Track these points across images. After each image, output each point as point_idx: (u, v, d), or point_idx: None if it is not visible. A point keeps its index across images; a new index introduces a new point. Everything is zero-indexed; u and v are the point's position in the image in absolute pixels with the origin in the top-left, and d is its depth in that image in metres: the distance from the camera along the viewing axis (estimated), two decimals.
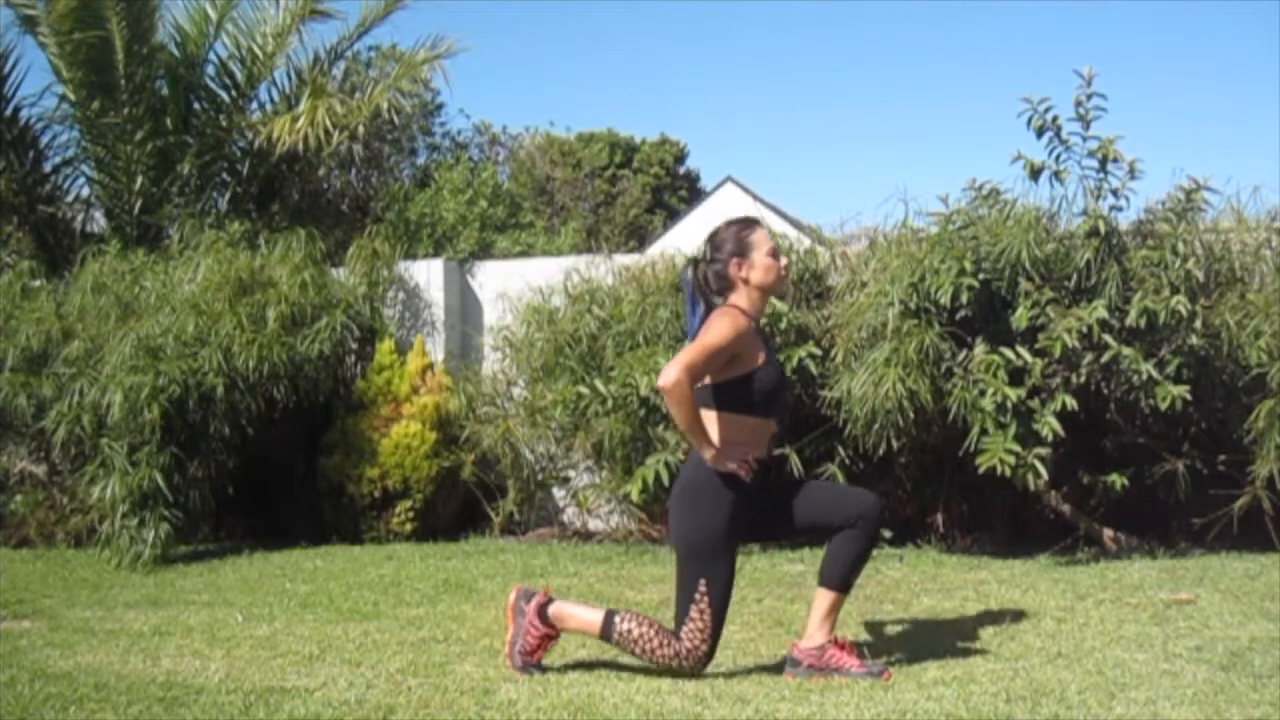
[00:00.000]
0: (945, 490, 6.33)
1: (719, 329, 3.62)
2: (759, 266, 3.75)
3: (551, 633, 3.85)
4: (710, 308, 3.76)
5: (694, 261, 3.86)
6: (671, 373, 3.52)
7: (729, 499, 3.65)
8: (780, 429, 3.88)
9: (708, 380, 3.68)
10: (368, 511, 7.13)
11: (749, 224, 3.86)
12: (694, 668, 3.70)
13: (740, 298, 3.76)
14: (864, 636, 4.22)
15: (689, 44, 52.14)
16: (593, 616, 3.82)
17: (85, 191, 10.13)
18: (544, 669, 3.81)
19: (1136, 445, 5.98)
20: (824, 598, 3.75)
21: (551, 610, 3.85)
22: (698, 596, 3.66)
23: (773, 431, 3.83)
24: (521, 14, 49.73)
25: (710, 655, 3.71)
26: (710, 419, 3.67)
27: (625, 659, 3.92)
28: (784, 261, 3.84)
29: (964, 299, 5.68)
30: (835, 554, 3.76)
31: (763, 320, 5.93)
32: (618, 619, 3.75)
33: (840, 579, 3.75)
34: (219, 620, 4.85)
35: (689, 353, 3.59)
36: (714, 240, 3.82)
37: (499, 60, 47.20)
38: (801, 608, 4.80)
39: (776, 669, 3.76)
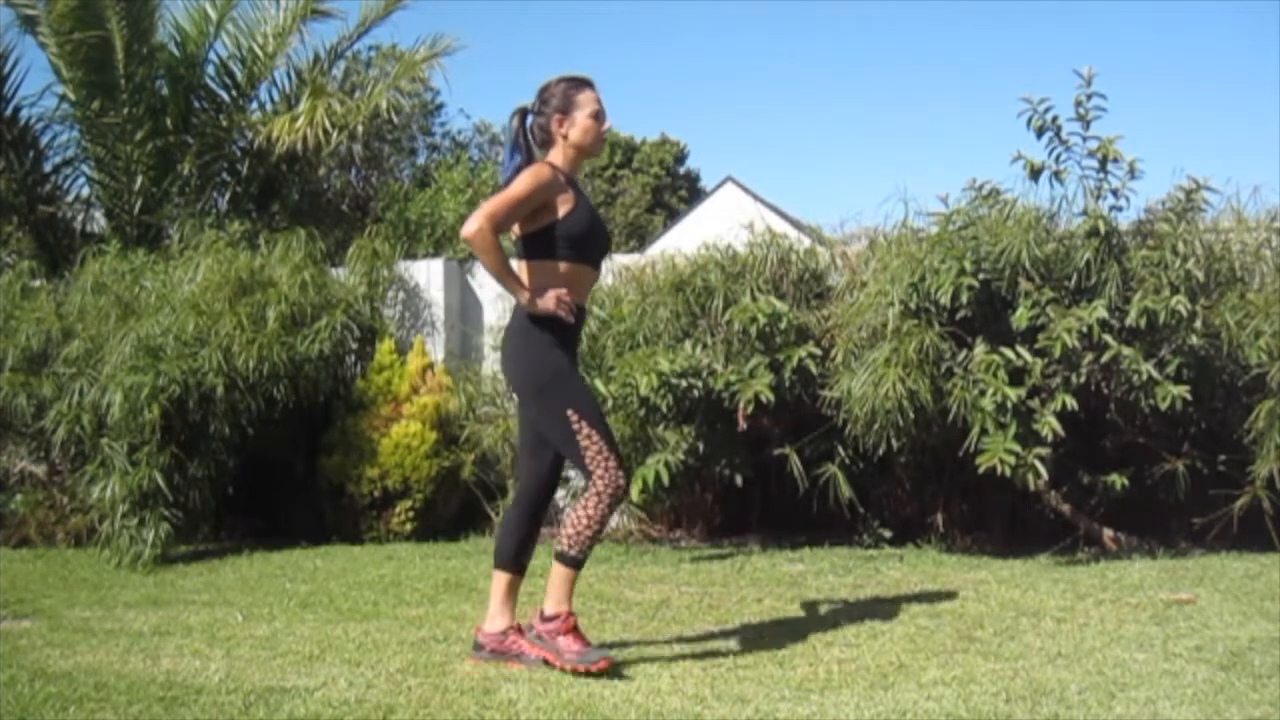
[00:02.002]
0: (945, 490, 6.32)
1: (522, 182, 3.75)
2: (579, 126, 3.87)
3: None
4: (528, 161, 3.86)
5: (522, 111, 3.95)
6: (474, 222, 3.69)
7: (553, 339, 3.80)
8: (597, 274, 4.08)
9: (518, 231, 3.84)
10: (368, 511, 7.13)
11: (579, 84, 3.94)
12: (619, 487, 3.76)
13: (556, 154, 3.88)
14: (864, 637, 4.22)
15: (689, 44, 52.15)
16: (557, 574, 3.84)
17: (85, 191, 10.15)
18: (605, 651, 3.87)
19: (1136, 445, 5.98)
20: (499, 580, 3.93)
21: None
22: (576, 426, 3.74)
23: (591, 277, 3.99)
24: (521, 14, 49.73)
25: (623, 467, 3.80)
26: (523, 268, 3.85)
27: (625, 658, 3.92)
28: (605, 125, 3.93)
29: (964, 299, 5.68)
30: (510, 535, 3.96)
31: (762, 320, 5.98)
32: (559, 545, 3.78)
33: (512, 560, 3.94)
34: (219, 620, 4.85)
35: (492, 202, 3.74)
36: (543, 94, 3.93)
37: (499, 60, 47.19)
38: (802, 607, 4.80)
39: (777, 669, 3.76)
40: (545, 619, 3.80)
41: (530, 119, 3.94)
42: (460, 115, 19.74)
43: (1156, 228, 6.01)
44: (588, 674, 3.66)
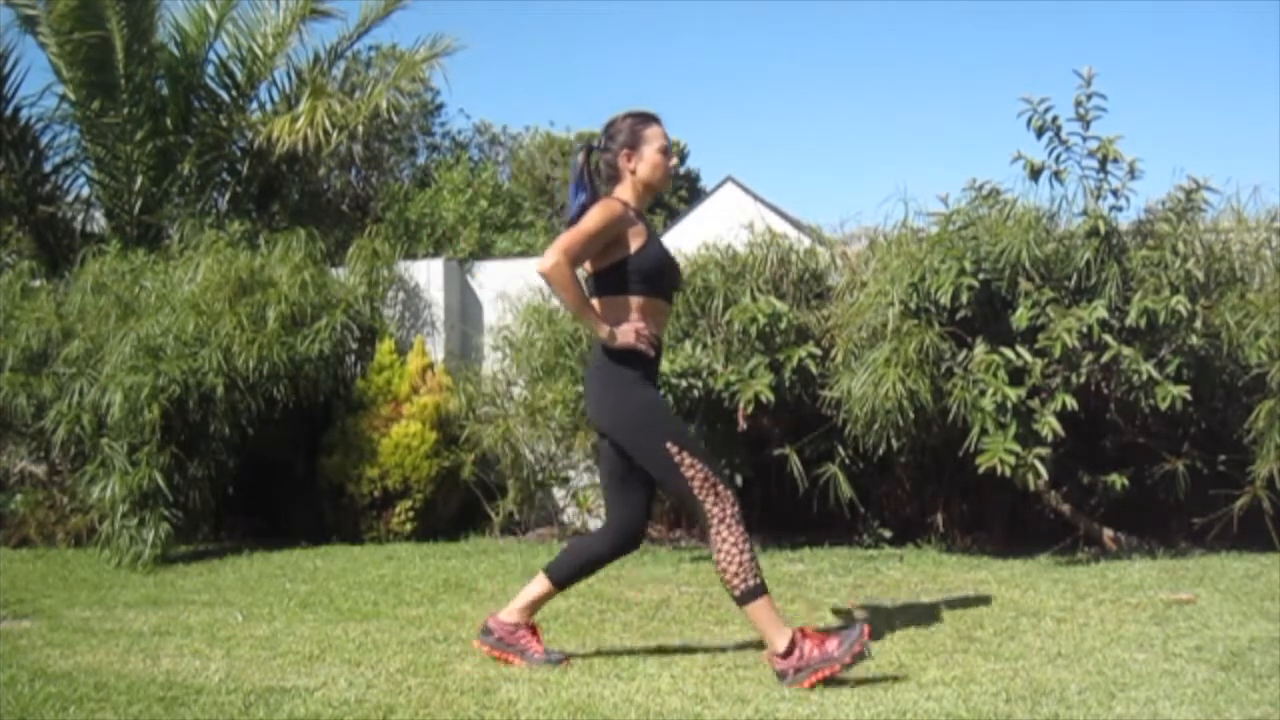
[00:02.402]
0: (945, 490, 6.33)
1: (593, 216, 3.72)
2: (647, 161, 3.86)
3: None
4: (596, 197, 3.84)
5: (588, 147, 3.94)
6: (550, 257, 3.65)
7: (637, 374, 3.77)
8: (670, 307, 4.06)
9: (589, 267, 3.81)
10: (368, 511, 7.13)
11: (646, 119, 3.93)
12: (734, 519, 3.64)
13: (625, 189, 3.86)
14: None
15: (689, 44, 52.15)
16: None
17: (85, 191, 10.16)
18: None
19: (1136, 445, 5.98)
20: (541, 588, 3.96)
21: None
22: (677, 459, 3.67)
23: (665, 311, 3.96)
24: (521, 14, 49.70)
25: (729, 487, 3.69)
26: (596, 305, 3.81)
27: (625, 658, 3.92)
28: (672, 161, 3.92)
29: (964, 299, 5.68)
30: (576, 552, 3.98)
31: (762, 320, 5.98)
32: (729, 585, 3.66)
33: (566, 581, 3.98)
34: (219, 620, 4.85)
35: (565, 237, 3.70)
36: (610, 130, 3.92)
37: (499, 60, 47.18)
38: (801, 607, 4.80)
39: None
40: (784, 656, 3.57)
41: (595, 155, 3.92)
42: (460, 115, 19.74)
43: (1156, 228, 6.01)
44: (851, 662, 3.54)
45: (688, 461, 3.67)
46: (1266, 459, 5.49)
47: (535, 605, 3.98)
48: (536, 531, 7.33)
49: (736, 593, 3.64)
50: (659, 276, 3.85)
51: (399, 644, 4.27)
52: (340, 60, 11.02)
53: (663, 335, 3.95)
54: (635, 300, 3.80)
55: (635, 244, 3.78)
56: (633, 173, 3.86)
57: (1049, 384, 5.69)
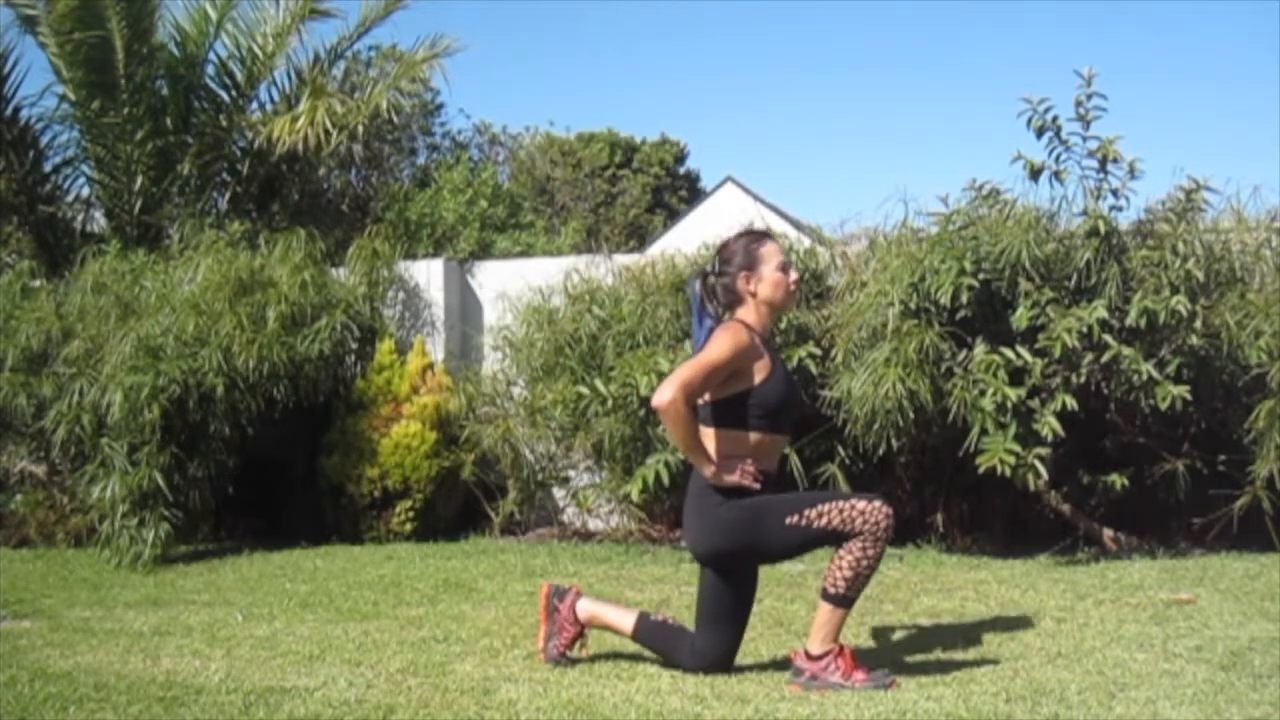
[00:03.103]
0: (945, 490, 6.33)
1: (718, 345, 3.54)
2: (768, 281, 3.67)
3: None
4: (718, 321, 3.68)
5: (703, 274, 3.78)
6: (667, 392, 3.44)
7: (736, 504, 3.60)
8: (787, 440, 3.82)
9: (708, 397, 3.61)
10: (368, 511, 7.13)
11: (760, 237, 3.78)
12: (887, 521, 3.50)
13: (748, 312, 3.68)
14: (865, 637, 4.22)
15: (689, 44, 52.14)
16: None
17: (85, 191, 10.15)
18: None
19: (1136, 445, 5.98)
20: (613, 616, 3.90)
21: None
22: (805, 522, 3.52)
23: (781, 445, 3.75)
24: (521, 14, 49.71)
25: (871, 501, 3.52)
26: (711, 435, 3.61)
27: (625, 658, 3.92)
28: (794, 276, 3.75)
29: (964, 299, 5.68)
30: (659, 630, 3.85)
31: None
32: (831, 588, 3.57)
33: (645, 635, 3.85)
34: (219, 620, 4.85)
35: (686, 369, 3.51)
36: (724, 253, 3.74)
37: (499, 60, 47.18)
38: (802, 607, 4.80)
39: (777, 669, 3.76)
40: (811, 659, 3.56)
41: (710, 279, 3.73)
42: (460, 115, 19.74)
43: (1156, 228, 6.01)
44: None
45: (811, 514, 3.52)
46: (1266, 459, 5.49)
47: (603, 626, 3.89)
48: (536, 531, 7.33)
49: (833, 591, 3.54)
50: (781, 412, 3.64)
51: (399, 644, 4.27)
52: (340, 60, 11.02)
53: (773, 469, 3.72)
54: (752, 436, 3.59)
55: (760, 376, 3.58)
56: (753, 295, 3.67)
57: (1049, 384, 5.69)
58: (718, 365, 3.52)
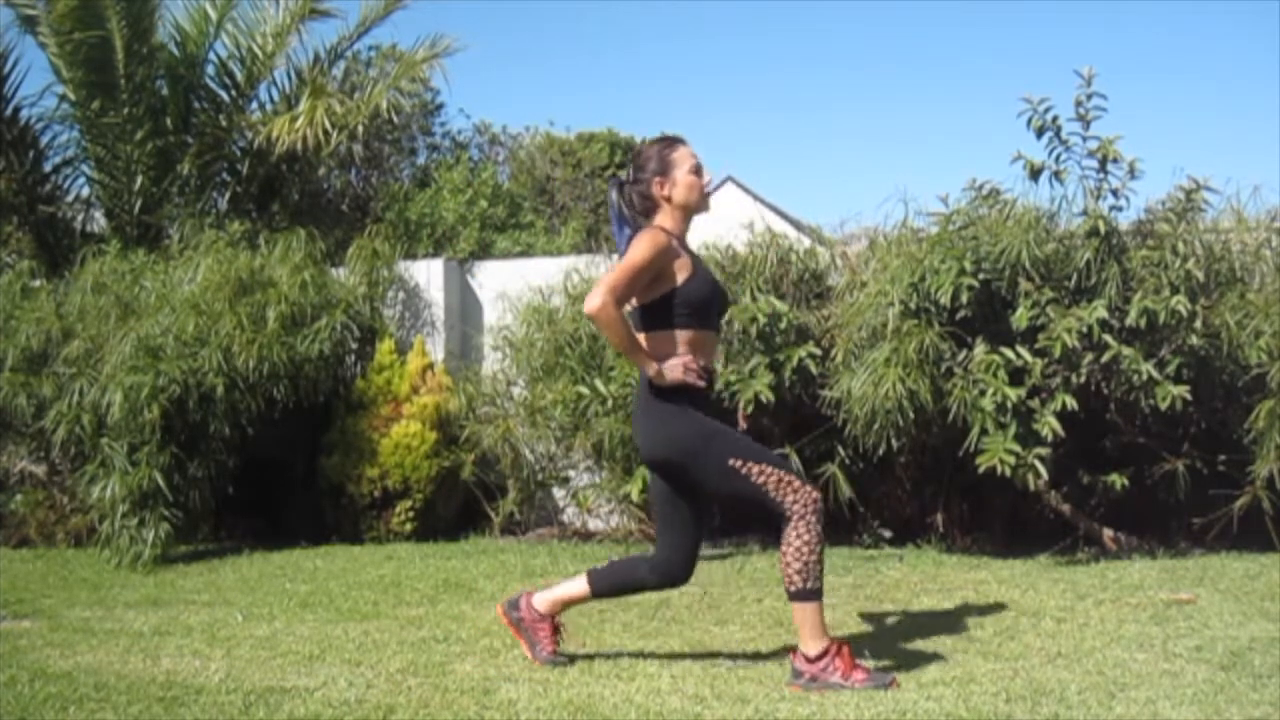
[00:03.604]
0: (945, 490, 6.32)
1: (638, 249, 3.65)
2: (681, 185, 3.78)
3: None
4: (636, 229, 3.77)
5: (619, 182, 3.88)
6: (597, 297, 3.56)
7: (686, 408, 3.69)
8: (719, 337, 3.95)
9: (635, 303, 3.73)
10: (368, 511, 7.13)
11: (672, 143, 3.87)
12: (817, 505, 3.59)
13: (664, 217, 3.79)
14: (865, 637, 4.22)
15: (689, 44, 52.12)
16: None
17: (85, 191, 10.16)
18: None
19: (1136, 445, 5.98)
20: (579, 587, 3.94)
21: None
22: (745, 471, 3.61)
23: (714, 341, 3.89)
24: (521, 14, 49.69)
25: (807, 484, 3.62)
26: (645, 339, 3.72)
27: (625, 658, 3.92)
28: (706, 178, 3.85)
29: (964, 299, 5.68)
30: (623, 567, 3.94)
31: (762, 320, 5.99)
32: (788, 583, 3.61)
33: (604, 585, 3.93)
34: (219, 620, 4.85)
35: (612, 275, 3.64)
36: (638, 160, 3.85)
37: (499, 60, 47.14)
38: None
39: (777, 669, 3.76)
40: (811, 661, 3.57)
41: (627, 188, 3.84)
42: (460, 115, 19.69)
43: (1156, 228, 6.01)
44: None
45: (755, 469, 3.61)
46: (1266, 459, 5.49)
47: (566, 605, 3.95)
48: (536, 531, 7.33)
49: (793, 588, 3.58)
50: (707, 308, 3.75)
51: (399, 644, 4.27)
52: (340, 60, 11.02)
53: (713, 365, 3.84)
54: (683, 334, 3.70)
55: (682, 275, 3.69)
56: (668, 199, 3.78)
57: (1049, 384, 5.68)
58: (640, 268, 3.63)
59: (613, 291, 3.58)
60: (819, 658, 3.55)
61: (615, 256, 3.82)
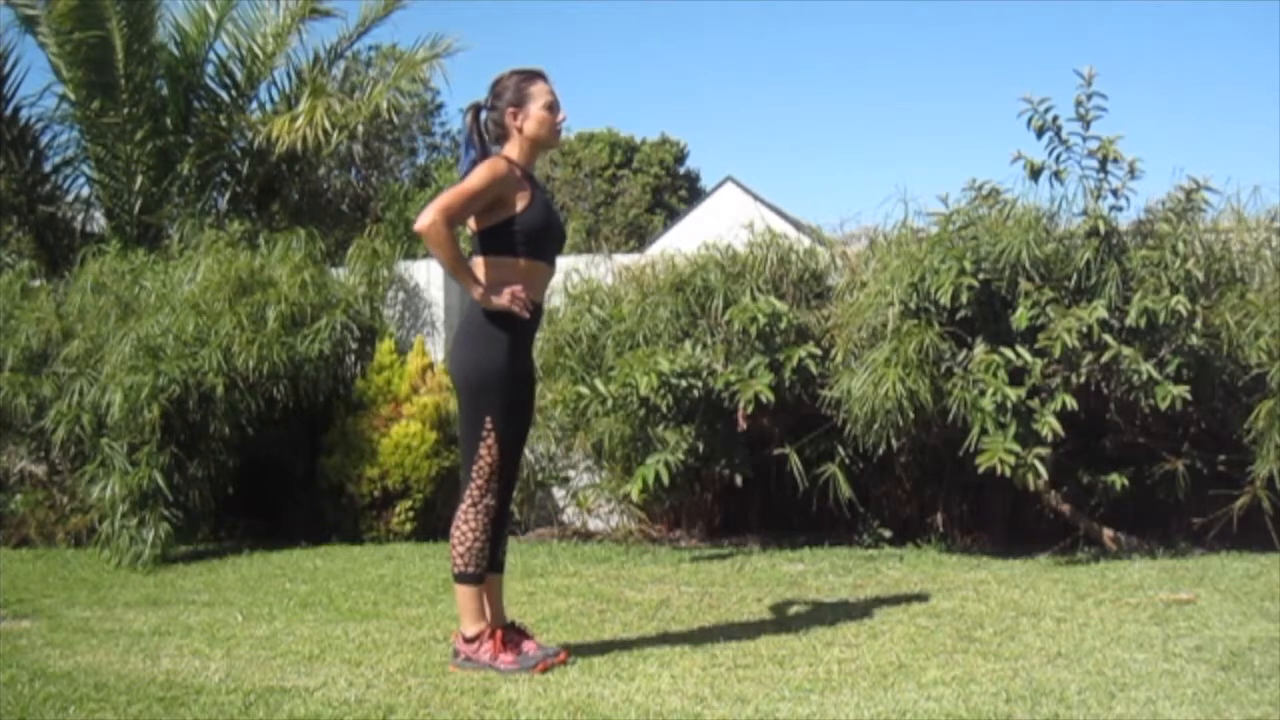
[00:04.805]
0: (945, 490, 6.32)
1: (477, 174, 3.74)
2: (534, 119, 3.86)
3: (484, 633, 3.84)
4: (485, 155, 3.85)
5: (475, 107, 3.94)
6: (427, 215, 3.68)
7: (506, 338, 3.80)
8: (552, 271, 4.03)
9: (473, 225, 3.83)
10: (368, 511, 7.13)
11: (531, 76, 3.93)
12: (485, 513, 3.79)
13: (512, 147, 3.87)
14: (864, 637, 4.22)
15: (689, 44, 52.14)
16: (460, 596, 3.87)
17: (85, 191, 10.17)
18: (557, 651, 3.86)
19: (1136, 445, 5.98)
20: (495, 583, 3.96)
21: (466, 632, 3.86)
22: (484, 433, 3.79)
23: (546, 274, 3.97)
24: (522, 14, 49.72)
25: (502, 504, 3.84)
26: (479, 264, 3.82)
27: (625, 658, 3.92)
28: (561, 115, 3.92)
29: (964, 299, 5.68)
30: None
31: (762, 320, 5.99)
32: (453, 567, 3.85)
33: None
34: (219, 620, 4.85)
35: (446, 195, 3.74)
36: (495, 88, 3.92)
37: (499, 60, 47.16)
38: (802, 607, 4.80)
39: (777, 669, 3.76)
40: (467, 641, 3.82)
41: (484, 114, 3.94)
42: (460, 115, 19.72)
43: (1156, 228, 6.01)
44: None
45: (490, 443, 3.78)
46: (1266, 459, 5.49)
47: (477, 611, 3.89)
48: (536, 531, 7.34)
49: (455, 570, 3.83)
50: (542, 238, 3.86)
51: (399, 644, 4.27)
52: (340, 60, 11.02)
53: (542, 299, 3.98)
54: (515, 261, 3.81)
55: (520, 204, 3.80)
56: (520, 130, 3.86)
57: (1049, 384, 5.69)
58: (475, 192, 3.73)
59: (444, 212, 3.68)
60: (472, 640, 3.80)
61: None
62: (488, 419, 3.79)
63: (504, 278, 3.80)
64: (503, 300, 3.76)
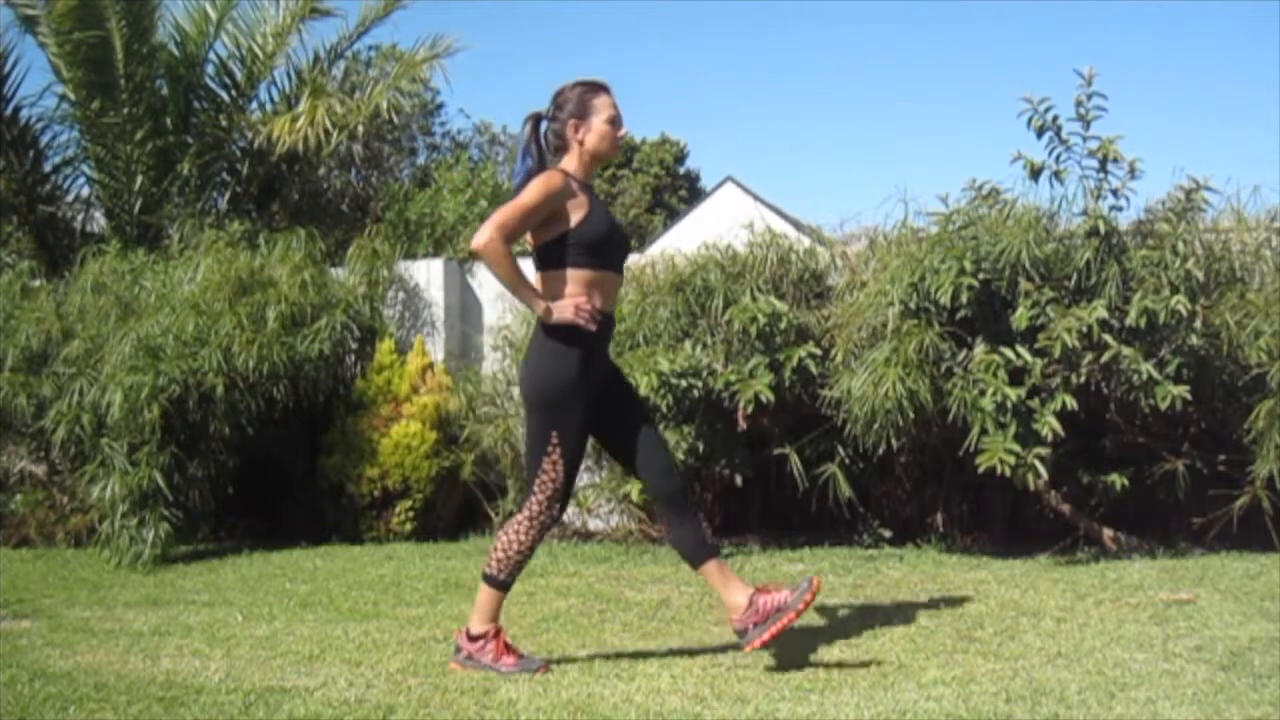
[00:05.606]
0: (945, 490, 6.32)
1: (532, 189, 3.69)
2: (596, 131, 3.82)
3: (490, 634, 3.84)
4: (543, 166, 3.81)
5: (535, 117, 3.89)
6: (484, 233, 3.61)
7: (575, 352, 3.73)
8: (620, 279, 3.98)
9: (531, 242, 3.79)
10: (368, 511, 7.13)
11: (596, 88, 3.88)
12: (547, 519, 3.81)
13: (570, 160, 3.83)
14: (864, 637, 4.22)
15: (689, 44, 52.13)
16: (483, 593, 3.87)
17: (85, 191, 10.17)
18: (538, 661, 3.83)
19: (1136, 445, 5.98)
20: (709, 573, 3.83)
21: (472, 629, 3.87)
22: (550, 449, 3.76)
23: (615, 283, 3.91)
24: (521, 14, 49.72)
25: (556, 518, 3.84)
26: (541, 280, 3.77)
27: (625, 658, 3.92)
28: (622, 131, 3.88)
29: (964, 299, 5.68)
30: (682, 539, 3.89)
31: (762, 320, 5.98)
32: (487, 568, 3.86)
33: (703, 553, 3.85)
34: (219, 620, 4.85)
35: (501, 212, 3.67)
36: (558, 99, 3.87)
37: (499, 60, 47.19)
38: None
39: (777, 669, 3.76)
40: (471, 639, 3.84)
41: (544, 124, 3.88)
42: (460, 115, 19.74)
43: (1156, 228, 6.01)
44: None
45: (555, 458, 3.76)
46: (1266, 459, 5.49)
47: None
48: None
49: (489, 572, 3.84)
50: (603, 248, 3.78)
51: (399, 644, 4.27)
52: (340, 60, 11.03)
53: (612, 309, 3.88)
54: (579, 274, 3.74)
55: (576, 216, 3.73)
56: (580, 143, 3.81)
57: (1049, 384, 5.68)
58: (531, 207, 3.67)
59: (501, 229, 3.62)
60: (478, 638, 3.81)
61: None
62: (554, 434, 3.74)
63: (566, 291, 3.72)
64: (566, 313, 3.68)
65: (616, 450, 4.02)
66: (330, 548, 6.96)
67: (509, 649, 3.83)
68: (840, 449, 6.16)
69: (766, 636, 3.68)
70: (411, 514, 7.10)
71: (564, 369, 3.73)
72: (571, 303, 3.70)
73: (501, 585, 3.84)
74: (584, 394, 3.77)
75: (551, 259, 3.76)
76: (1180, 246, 5.77)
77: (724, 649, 4.08)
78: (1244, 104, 46.47)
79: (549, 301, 3.70)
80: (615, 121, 3.84)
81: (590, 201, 3.78)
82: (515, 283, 3.68)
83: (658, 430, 3.99)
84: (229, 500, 7.30)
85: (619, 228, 3.93)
